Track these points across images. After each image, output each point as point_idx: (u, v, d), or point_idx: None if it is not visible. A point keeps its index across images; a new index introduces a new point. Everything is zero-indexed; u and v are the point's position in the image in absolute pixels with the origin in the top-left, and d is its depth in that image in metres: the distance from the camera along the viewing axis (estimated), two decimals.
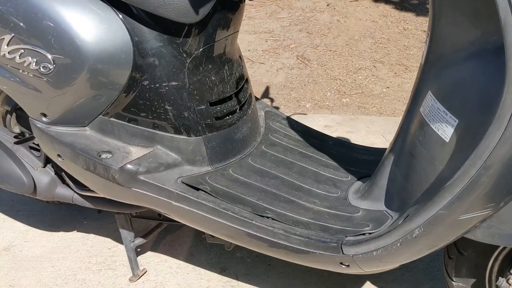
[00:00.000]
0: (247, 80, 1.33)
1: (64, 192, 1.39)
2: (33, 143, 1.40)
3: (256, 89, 2.48)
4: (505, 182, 0.82)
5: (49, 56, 1.09)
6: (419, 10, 3.31)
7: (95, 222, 1.69)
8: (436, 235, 0.92)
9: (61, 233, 1.66)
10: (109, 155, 1.18)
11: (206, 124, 1.19)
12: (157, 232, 1.50)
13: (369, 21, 3.17)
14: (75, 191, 1.36)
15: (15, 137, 1.42)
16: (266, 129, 1.41)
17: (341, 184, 1.23)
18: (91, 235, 1.65)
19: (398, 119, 1.17)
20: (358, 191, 1.19)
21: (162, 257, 1.55)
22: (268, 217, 1.12)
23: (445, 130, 0.90)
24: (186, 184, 1.17)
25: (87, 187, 1.29)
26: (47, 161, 1.38)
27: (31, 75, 1.13)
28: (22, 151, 1.40)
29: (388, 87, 2.52)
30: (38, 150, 1.39)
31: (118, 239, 1.52)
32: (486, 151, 0.79)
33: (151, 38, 1.10)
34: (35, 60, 1.11)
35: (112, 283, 1.46)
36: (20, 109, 1.39)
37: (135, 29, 1.09)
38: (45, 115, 1.21)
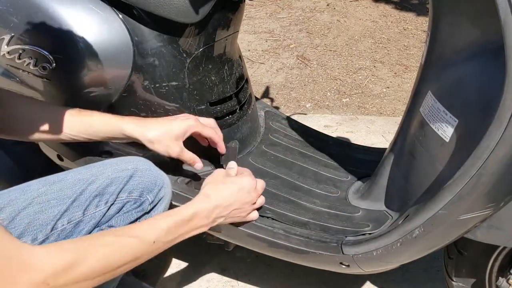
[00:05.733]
0: (247, 80, 1.33)
1: None
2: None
3: (256, 89, 2.48)
4: (505, 182, 0.82)
5: (49, 56, 1.09)
6: (419, 10, 3.31)
7: None
8: (436, 235, 0.92)
9: None
10: (109, 156, 1.18)
11: None
12: None
13: (369, 21, 3.17)
14: None
15: None
16: (266, 129, 1.41)
17: (341, 184, 1.23)
18: None
19: (398, 119, 1.17)
20: (358, 191, 1.19)
21: (162, 257, 1.54)
22: (268, 217, 1.12)
23: (445, 130, 0.90)
24: (186, 184, 1.17)
25: None
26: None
27: (31, 75, 1.13)
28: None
29: (388, 87, 2.52)
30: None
31: None
32: (486, 151, 0.79)
33: (151, 38, 1.10)
34: (34, 60, 1.10)
35: None
36: None
37: (135, 29, 1.09)
38: None
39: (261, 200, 1.08)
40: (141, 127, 1.03)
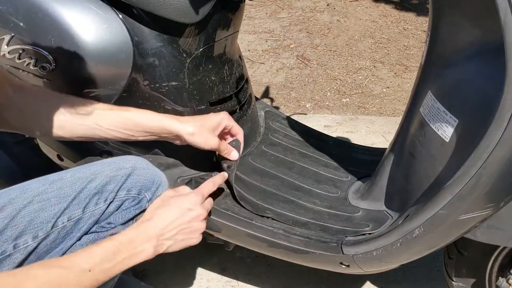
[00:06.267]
0: (247, 80, 1.33)
1: None
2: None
3: (256, 89, 2.48)
4: (505, 182, 0.82)
5: (49, 56, 1.09)
6: (419, 10, 3.31)
7: None
8: (436, 235, 0.92)
9: None
10: (109, 156, 1.18)
11: None
12: None
13: (369, 21, 3.18)
14: None
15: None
16: (266, 129, 1.41)
17: (341, 184, 1.23)
18: None
19: (398, 119, 1.17)
20: (358, 191, 1.19)
21: (162, 257, 1.54)
22: (268, 217, 1.12)
23: (445, 130, 0.90)
24: (186, 184, 1.17)
25: None
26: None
27: (31, 75, 1.13)
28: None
29: (388, 87, 2.52)
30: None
31: None
32: (486, 151, 0.79)
33: (151, 38, 1.10)
34: (34, 60, 1.10)
35: None
36: None
37: (135, 29, 1.09)
38: None
39: (207, 206, 1.02)
40: (181, 122, 1.06)
